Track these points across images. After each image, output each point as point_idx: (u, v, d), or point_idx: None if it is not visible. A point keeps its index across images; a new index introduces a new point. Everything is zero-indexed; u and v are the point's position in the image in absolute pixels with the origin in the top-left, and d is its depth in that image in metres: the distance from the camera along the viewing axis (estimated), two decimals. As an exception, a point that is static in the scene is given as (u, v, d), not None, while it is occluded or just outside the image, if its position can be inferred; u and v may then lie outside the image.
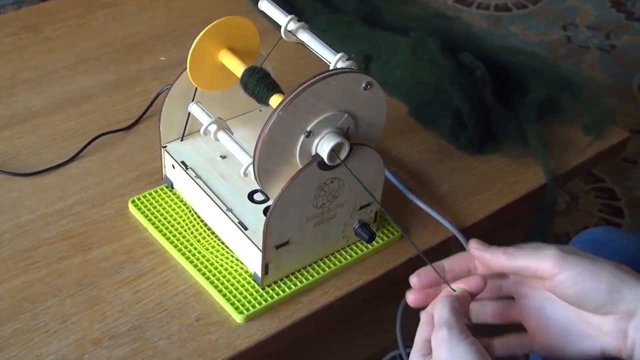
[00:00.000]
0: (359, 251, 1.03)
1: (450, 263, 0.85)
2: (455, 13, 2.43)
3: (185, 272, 0.99)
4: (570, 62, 2.38)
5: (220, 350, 0.92)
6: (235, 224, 0.97)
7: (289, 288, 0.97)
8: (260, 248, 0.94)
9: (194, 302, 0.97)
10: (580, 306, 0.78)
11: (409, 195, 1.10)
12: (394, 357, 1.24)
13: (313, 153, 0.90)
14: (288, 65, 1.25)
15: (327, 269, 1.00)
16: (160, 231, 1.03)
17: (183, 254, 1.00)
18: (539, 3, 2.65)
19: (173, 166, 1.05)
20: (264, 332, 0.94)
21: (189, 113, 1.02)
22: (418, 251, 0.89)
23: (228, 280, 0.97)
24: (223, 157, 1.05)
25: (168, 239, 1.02)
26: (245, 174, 0.91)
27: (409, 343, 0.83)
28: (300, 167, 0.90)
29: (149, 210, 1.05)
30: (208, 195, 1.00)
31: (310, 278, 0.99)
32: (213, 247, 1.01)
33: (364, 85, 0.90)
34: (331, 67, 0.93)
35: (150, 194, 1.07)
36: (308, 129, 0.88)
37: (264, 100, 0.95)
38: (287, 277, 0.98)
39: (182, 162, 1.04)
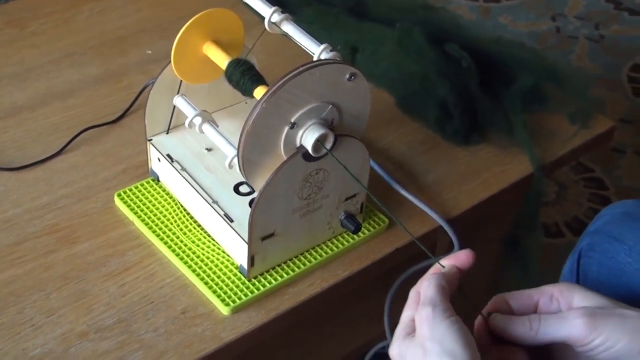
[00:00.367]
0: (345, 242, 1.03)
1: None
2: (444, 5, 2.43)
3: (172, 264, 0.99)
4: (559, 53, 2.38)
5: (207, 342, 0.92)
6: (221, 216, 0.97)
7: (275, 280, 0.97)
8: (246, 240, 0.94)
9: (180, 294, 0.97)
10: None
11: (395, 185, 1.10)
12: (383, 348, 1.24)
13: (298, 144, 0.90)
14: (274, 58, 1.25)
15: (313, 260, 1.00)
16: (147, 224, 1.03)
17: (169, 247, 1.00)
18: (527, -6, 2.65)
19: (159, 159, 1.05)
20: (250, 324, 0.94)
21: (174, 106, 1.02)
22: (411, 236, 0.89)
23: (214, 273, 0.98)
24: (209, 149, 1.05)
25: (154, 232, 1.02)
26: (231, 166, 0.91)
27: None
28: (285, 158, 0.90)
29: (135, 203, 1.05)
30: (194, 187, 1.00)
31: (297, 269, 0.99)
32: (199, 239, 1.01)
33: (348, 76, 0.90)
34: (315, 58, 0.93)
35: (136, 187, 1.07)
36: (292, 120, 0.88)
37: (248, 92, 0.95)
38: (273, 268, 0.98)
39: (168, 155, 1.04)
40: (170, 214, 1.04)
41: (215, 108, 1.07)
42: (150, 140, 1.06)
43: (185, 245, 1.00)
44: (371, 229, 1.05)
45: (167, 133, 1.07)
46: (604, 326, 0.75)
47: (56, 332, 0.92)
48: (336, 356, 1.27)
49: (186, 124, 0.97)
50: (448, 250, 1.07)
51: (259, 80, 0.95)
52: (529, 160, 1.17)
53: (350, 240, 1.03)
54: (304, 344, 1.18)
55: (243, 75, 0.95)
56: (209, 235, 1.02)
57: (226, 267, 0.98)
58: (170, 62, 0.99)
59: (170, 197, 1.06)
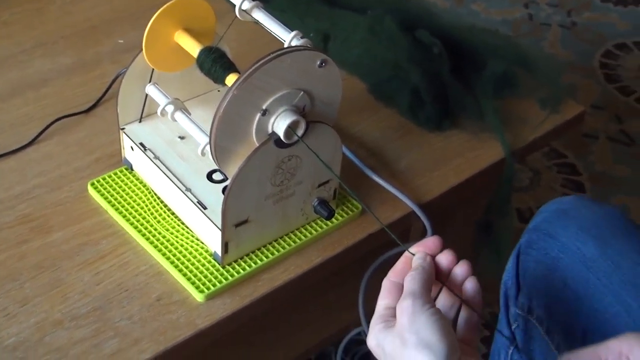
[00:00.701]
0: (318, 228, 1.03)
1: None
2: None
3: (146, 252, 1.00)
4: (532, 40, 2.39)
5: (181, 329, 0.92)
6: (195, 204, 0.97)
7: (249, 266, 0.98)
8: (220, 227, 0.94)
9: (155, 282, 0.97)
10: None
11: (367, 172, 1.11)
12: (358, 334, 1.25)
13: (269, 131, 0.91)
14: (246, 46, 1.25)
15: (287, 246, 1.01)
16: (120, 213, 1.03)
17: (143, 235, 1.00)
18: (500, -19, 2.66)
19: (132, 148, 1.06)
20: (224, 310, 0.95)
21: (147, 94, 1.02)
22: (380, 223, 0.90)
23: (188, 260, 0.98)
24: (181, 137, 1.06)
25: (128, 220, 1.02)
26: (203, 154, 0.92)
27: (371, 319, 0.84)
28: (257, 145, 0.90)
29: (108, 192, 1.05)
30: (167, 176, 1.01)
31: (271, 256, 0.99)
32: (173, 227, 1.02)
33: (318, 62, 0.90)
34: (286, 45, 0.93)
35: (109, 176, 1.08)
36: (264, 107, 0.89)
37: (220, 80, 0.96)
38: (247, 255, 0.99)
39: (141, 144, 1.04)
40: (143, 202, 1.04)
41: (188, 96, 1.07)
42: (123, 129, 1.06)
43: (159, 233, 1.01)
44: (344, 215, 1.05)
45: (140, 122, 1.07)
46: None
47: (31, 321, 0.92)
48: (311, 342, 1.27)
49: (158, 112, 0.97)
50: (422, 235, 1.08)
51: (231, 68, 0.95)
52: (500, 146, 1.18)
53: (324, 226, 1.04)
54: (279, 330, 1.18)
55: (214, 63, 0.95)
56: (182, 223, 1.02)
57: (200, 254, 0.99)
58: (141, 50, 0.99)
59: (144, 186, 1.06)
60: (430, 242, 0.83)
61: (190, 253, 0.99)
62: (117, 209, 1.03)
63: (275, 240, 1.01)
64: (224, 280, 0.96)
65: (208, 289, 0.95)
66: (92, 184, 1.06)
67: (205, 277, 0.96)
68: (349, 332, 1.25)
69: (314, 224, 1.04)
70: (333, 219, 1.03)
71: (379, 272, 0.89)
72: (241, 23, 1.00)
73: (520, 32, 2.43)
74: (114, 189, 1.06)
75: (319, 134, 0.94)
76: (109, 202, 1.04)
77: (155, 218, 1.03)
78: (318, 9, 1.31)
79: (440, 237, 0.83)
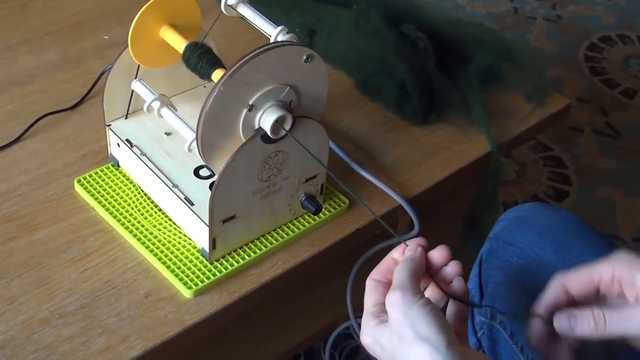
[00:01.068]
0: (306, 223, 1.03)
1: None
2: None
3: (133, 249, 1.00)
4: (517, 33, 2.40)
5: (170, 325, 0.92)
6: (182, 200, 0.97)
7: (237, 262, 0.98)
8: (207, 223, 0.94)
9: (143, 279, 0.97)
10: None
11: (354, 166, 1.11)
12: (347, 328, 1.25)
13: (256, 127, 0.91)
14: (232, 41, 1.25)
15: (274, 242, 1.01)
16: (107, 210, 1.03)
17: (130, 232, 1.00)
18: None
19: (118, 144, 1.05)
20: (213, 306, 0.95)
21: (132, 91, 1.02)
22: (373, 213, 0.90)
23: (176, 256, 0.98)
24: (168, 134, 1.05)
25: (115, 217, 1.02)
26: (190, 150, 0.92)
27: (360, 314, 0.84)
28: (244, 140, 0.90)
29: (95, 189, 1.05)
30: (154, 172, 1.00)
31: (258, 251, 0.99)
32: (160, 223, 1.01)
33: (305, 57, 0.90)
34: (272, 41, 0.93)
35: (96, 173, 1.07)
36: (250, 103, 0.89)
37: (206, 76, 0.95)
38: (235, 251, 0.99)
39: (127, 140, 1.04)
40: (130, 198, 1.04)
41: (174, 92, 1.07)
42: (109, 125, 1.06)
43: (147, 229, 1.01)
44: (332, 209, 1.05)
45: (126, 118, 1.07)
46: None
47: (18, 319, 0.91)
48: (300, 337, 1.28)
49: (145, 109, 0.97)
50: (409, 229, 1.08)
51: (217, 63, 0.95)
52: (486, 139, 1.19)
53: (311, 221, 1.04)
54: (267, 326, 1.18)
55: (200, 58, 0.95)
56: (170, 219, 1.02)
57: (188, 250, 0.99)
58: (127, 46, 0.98)
59: (131, 182, 1.06)
60: (420, 240, 0.83)
61: (178, 249, 0.99)
62: (104, 206, 1.03)
63: (263, 236, 1.01)
64: (211, 277, 0.96)
65: (196, 285, 0.95)
66: (79, 181, 1.06)
67: (193, 273, 0.96)
68: (338, 326, 1.26)
69: (301, 219, 1.04)
70: (320, 214, 1.04)
71: (366, 266, 0.89)
72: (227, 18, 0.99)
73: (506, 25, 2.44)
74: (101, 186, 1.06)
75: (306, 129, 0.94)
76: (96, 199, 1.04)
77: (142, 215, 1.02)
78: (303, 4, 1.31)
79: (424, 238, 0.83)
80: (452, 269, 0.82)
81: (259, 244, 1.00)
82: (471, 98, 1.21)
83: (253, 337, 1.17)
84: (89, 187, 1.05)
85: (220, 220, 0.94)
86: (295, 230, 1.03)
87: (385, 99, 1.21)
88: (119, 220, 1.01)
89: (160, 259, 0.97)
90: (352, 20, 1.23)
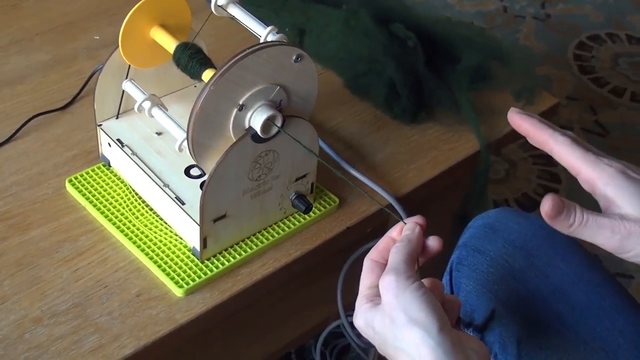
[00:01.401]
0: (296, 222, 1.04)
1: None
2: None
3: (125, 249, 1.00)
4: (506, 32, 2.41)
5: (161, 324, 0.93)
6: (173, 199, 0.98)
7: (228, 261, 0.98)
8: (198, 222, 0.94)
9: (134, 278, 0.97)
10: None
11: (344, 165, 1.12)
12: (338, 327, 1.26)
13: (246, 126, 0.91)
14: (223, 41, 1.25)
15: (265, 240, 1.01)
16: (99, 209, 1.03)
17: (122, 231, 1.01)
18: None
19: (109, 144, 1.06)
20: (204, 305, 0.95)
21: (123, 91, 1.02)
22: (380, 205, 0.91)
23: (167, 256, 0.98)
24: (159, 133, 1.06)
25: (106, 216, 1.02)
26: (180, 149, 0.92)
27: (350, 312, 0.84)
28: (234, 140, 0.91)
29: (86, 189, 1.06)
30: (145, 172, 1.01)
31: (249, 250, 1.00)
32: (152, 223, 1.02)
33: (294, 57, 0.91)
34: (261, 41, 0.94)
35: (87, 173, 1.08)
36: (240, 103, 0.89)
37: (196, 76, 0.96)
38: (226, 250, 0.99)
39: (118, 140, 1.05)
40: (122, 198, 1.05)
41: (165, 92, 1.08)
42: (100, 125, 1.06)
43: (138, 229, 1.01)
44: (322, 208, 1.06)
45: (117, 118, 1.07)
46: (636, 244, 0.74)
47: (10, 319, 0.92)
48: (291, 336, 1.28)
49: (135, 109, 0.97)
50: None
51: (207, 63, 0.96)
52: (476, 138, 1.20)
53: (302, 220, 1.04)
54: (258, 325, 1.19)
55: (191, 58, 0.96)
56: (161, 219, 1.02)
57: (179, 249, 0.99)
58: (118, 47, 0.99)
59: (122, 182, 1.06)
60: (419, 218, 0.82)
61: (169, 248, 0.99)
62: (95, 206, 1.03)
63: (254, 235, 1.02)
64: (203, 275, 0.96)
65: (187, 284, 0.95)
66: (70, 181, 1.06)
67: (184, 272, 0.97)
68: (329, 325, 1.26)
69: (292, 218, 1.04)
70: (311, 213, 1.04)
71: (357, 265, 0.90)
72: (217, 19, 1.00)
73: (495, 24, 2.45)
74: (92, 186, 1.06)
75: (296, 129, 0.94)
76: (87, 198, 1.04)
77: (133, 214, 1.03)
78: (293, 4, 1.31)
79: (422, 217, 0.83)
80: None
81: (249, 242, 1.01)
82: (460, 97, 1.21)
83: (244, 335, 1.18)
84: (80, 187, 1.06)
85: (211, 219, 0.95)
86: (286, 229, 1.03)
87: (375, 98, 1.22)
88: (110, 220, 1.02)
89: (151, 258, 0.98)
90: (342, 20, 1.24)
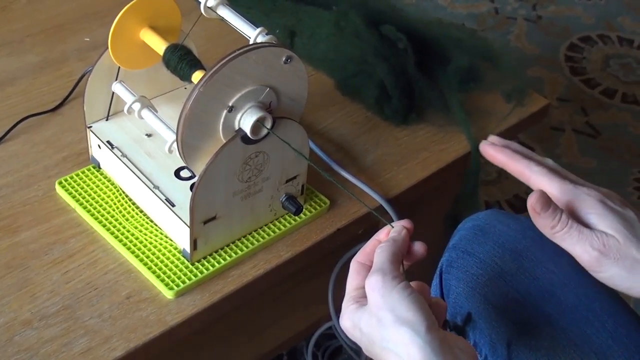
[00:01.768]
0: (287, 224, 1.04)
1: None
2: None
3: (115, 251, 1.00)
4: (498, 34, 2.41)
5: (152, 326, 0.93)
6: (163, 201, 0.98)
7: (219, 262, 0.98)
8: (188, 224, 0.94)
9: (124, 280, 0.97)
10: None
11: (335, 167, 1.12)
12: (329, 328, 1.26)
13: (236, 128, 0.91)
14: (212, 43, 1.25)
15: (255, 242, 1.01)
16: (89, 211, 1.03)
17: (112, 233, 1.00)
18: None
19: (99, 146, 1.06)
20: (194, 307, 0.95)
21: (113, 92, 1.02)
22: (368, 208, 0.91)
23: (157, 257, 0.98)
24: (149, 135, 1.06)
25: (96, 218, 1.02)
26: (170, 151, 0.92)
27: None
28: (224, 142, 0.91)
29: (76, 191, 1.05)
30: (134, 173, 1.01)
31: (240, 252, 1.00)
32: (142, 225, 1.02)
33: (284, 59, 0.91)
34: (251, 42, 0.94)
35: (77, 175, 1.07)
36: (230, 104, 0.89)
37: (186, 77, 0.96)
38: (216, 252, 0.99)
39: (108, 142, 1.04)
40: (112, 200, 1.04)
41: (155, 94, 1.08)
42: (90, 127, 1.06)
43: (128, 231, 1.01)
44: (312, 210, 1.06)
45: (107, 120, 1.07)
46: (611, 266, 0.78)
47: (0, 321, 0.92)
48: (283, 338, 1.28)
49: (125, 110, 0.97)
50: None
51: (197, 65, 0.96)
52: (466, 139, 1.20)
53: (292, 221, 1.04)
54: (249, 327, 1.19)
55: (181, 60, 0.95)
56: (151, 221, 1.02)
57: (169, 251, 0.99)
58: (107, 48, 0.99)
59: (112, 184, 1.06)
60: (406, 222, 0.82)
61: (159, 250, 0.99)
62: (85, 208, 1.03)
63: (244, 237, 1.02)
64: (193, 277, 0.96)
65: (177, 286, 0.95)
66: (60, 183, 1.06)
67: (175, 274, 0.97)
68: (320, 326, 1.26)
69: (282, 220, 1.04)
70: (301, 215, 1.04)
71: (348, 266, 0.89)
72: (207, 20, 1.00)
73: (487, 26, 2.45)
74: (82, 188, 1.06)
75: (286, 130, 0.94)
76: (77, 200, 1.04)
77: (123, 216, 1.03)
78: (284, 6, 1.31)
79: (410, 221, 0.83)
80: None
81: (240, 244, 1.01)
82: (451, 98, 1.22)
83: (235, 337, 1.18)
84: (70, 188, 1.05)
85: (201, 221, 0.95)
86: (277, 230, 1.03)
87: (366, 99, 1.22)
88: (100, 222, 1.02)
89: (141, 260, 0.98)
90: (332, 22, 1.24)
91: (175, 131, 0.89)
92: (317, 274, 1.12)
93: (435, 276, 1.03)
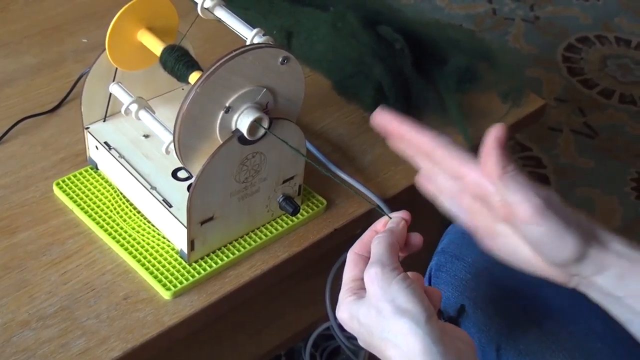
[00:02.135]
0: (284, 224, 1.04)
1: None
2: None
3: (112, 251, 1.00)
4: (495, 34, 2.41)
5: (149, 327, 0.93)
6: (160, 202, 0.98)
7: (216, 263, 0.98)
8: (185, 224, 0.95)
9: (122, 280, 0.97)
10: (536, 253, 0.76)
11: (332, 167, 1.12)
12: (327, 329, 1.26)
13: (233, 128, 0.91)
14: (209, 44, 1.25)
15: (253, 243, 1.01)
16: (86, 212, 1.03)
17: (109, 234, 1.01)
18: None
19: (96, 147, 1.06)
20: (192, 308, 0.95)
21: (110, 94, 1.02)
22: (372, 204, 0.91)
23: (155, 258, 0.98)
24: (146, 136, 1.06)
25: (94, 219, 1.02)
26: (167, 152, 0.92)
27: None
28: (221, 142, 0.91)
29: (74, 192, 1.05)
30: (132, 174, 1.01)
31: (237, 253, 1.00)
32: (139, 225, 1.02)
33: (281, 59, 0.91)
34: (248, 43, 0.94)
35: (75, 176, 1.08)
36: (227, 105, 0.89)
37: (183, 78, 0.96)
38: (213, 252, 1.00)
39: (106, 143, 1.05)
40: (109, 201, 1.05)
41: (152, 95, 1.08)
42: (88, 128, 1.06)
43: (126, 232, 1.01)
44: (310, 210, 1.06)
45: (104, 121, 1.07)
46: (550, 218, 0.72)
47: (-3, 322, 0.92)
48: (280, 338, 1.28)
49: (123, 111, 0.97)
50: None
51: (194, 66, 0.96)
52: (463, 140, 1.20)
53: (289, 222, 1.04)
54: (247, 327, 1.19)
55: (178, 61, 0.96)
56: (148, 222, 1.02)
57: (166, 252, 0.99)
58: (105, 49, 0.99)
59: (109, 185, 1.06)
60: (404, 213, 0.82)
61: (157, 251, 0.99)
62: (82, 209, 1.03)
63: (241, 237, 1.02)
64: (190, 278, 0.96)
65: (175, 286, 0.95)
66: (58, 184, 1.06)
67: (172, 274, 0.97)
68: (318, 327, 1.26)
69: (279, 220, 1.05)
70: (298, 215, 1.04)
71: (344, 266, 0.89)
72: (204, 21, 1.00)
73: (484, 26, 2.45)
74: (80, 189, 1.06)
75: (283, 131, 0.94)
76: (75, 201, 1.04)
77: (121, 217, 1.03)
78: (281, 6, 1.31)
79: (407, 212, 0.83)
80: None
81: (237, 245, 1.01)
82: (448, 99, 1.22)
83: (233, 338, 1.18)
84: (67, 190, 1.06)
85: (198, 221, 0.95)
86: (274, 231, 1.03)
87: (363, 100, 1.22)
88: (97, 223, 1.02)
89: (139, 261, 0.98)
90: (329, 22, 1.24)
91: (172, 132, 0.89)
92: (315, 274, 1.12)
93: (424, 280, 1.02)
